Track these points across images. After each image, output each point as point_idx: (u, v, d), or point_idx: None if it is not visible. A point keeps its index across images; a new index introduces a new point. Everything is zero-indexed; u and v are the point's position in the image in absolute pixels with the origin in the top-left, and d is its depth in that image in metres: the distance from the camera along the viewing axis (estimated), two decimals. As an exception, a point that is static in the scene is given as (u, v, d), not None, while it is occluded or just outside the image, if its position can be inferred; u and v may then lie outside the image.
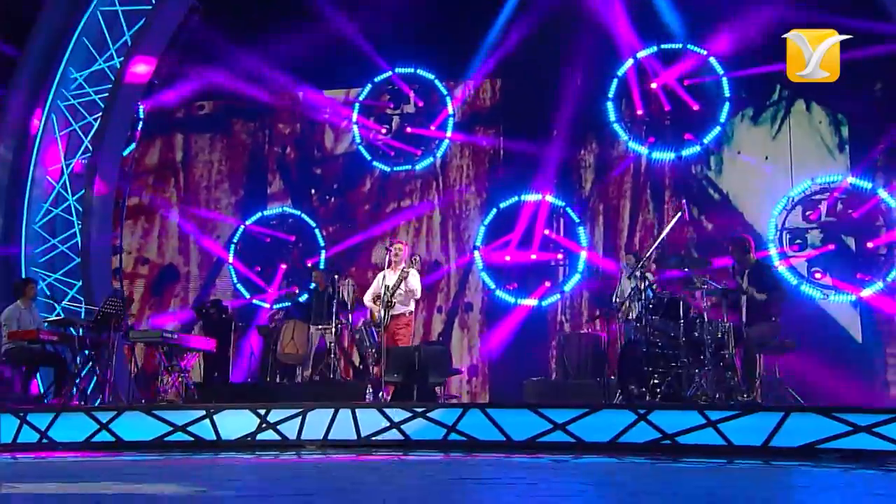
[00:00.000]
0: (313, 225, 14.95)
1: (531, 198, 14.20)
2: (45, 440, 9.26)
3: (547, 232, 14.18)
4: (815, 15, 11.26)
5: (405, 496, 5.19)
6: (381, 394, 9.85)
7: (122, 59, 13.15)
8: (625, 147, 14.19)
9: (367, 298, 10.60)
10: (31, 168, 13.22)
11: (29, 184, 13.18)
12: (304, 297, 14.27)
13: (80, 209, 13.05)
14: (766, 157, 13.66)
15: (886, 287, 12.72)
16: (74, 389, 10.50)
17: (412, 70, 14.86)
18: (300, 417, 8.92)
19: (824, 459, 7.88)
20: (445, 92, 14.74)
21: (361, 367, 12.31)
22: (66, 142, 13.40)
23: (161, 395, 10.79)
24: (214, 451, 8.76)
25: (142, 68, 13.06)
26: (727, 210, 13.72)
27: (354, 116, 15.02)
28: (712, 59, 13.68)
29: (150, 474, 6.81)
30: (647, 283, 11.44)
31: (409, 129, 14.87)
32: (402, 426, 8.83)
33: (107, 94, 13.13)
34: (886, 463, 7.66)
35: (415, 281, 10.52)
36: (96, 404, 10.55)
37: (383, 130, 14.88)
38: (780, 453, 8.11)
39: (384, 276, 10.54)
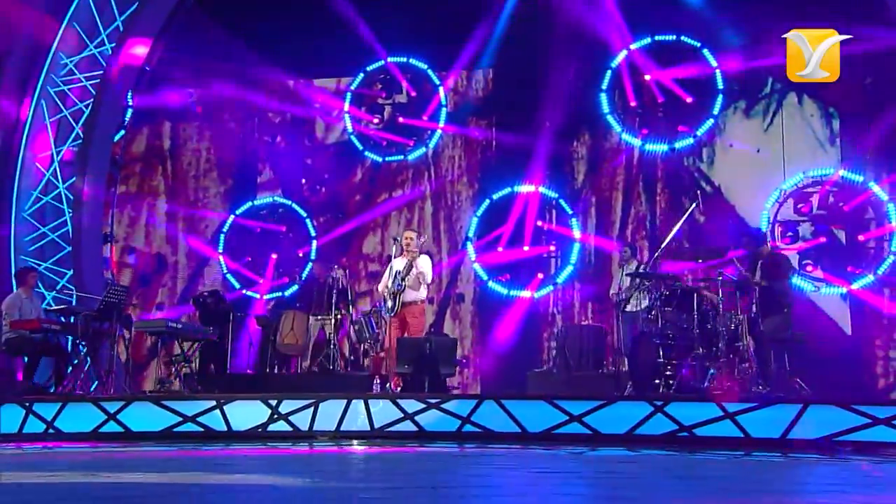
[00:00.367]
0: (304, 215, 15.32)
1: (524, 189, 14.62)
2: (51, 430, 9.37)
3: (540, 223, 14.61)
4: (811, 9, 11.87)
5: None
6: (388, 385, 10.06)
7: (113, 45, 13.39)
8: (618, 139, 14.64)
9: (381, 288, 10.76)
10: (21, 155, 13.44)
11: (18, 171, 13.41)
12: (294, 288, 14.67)
13: (71, 197, 13.26)
14: (759, 150, 14.13)
15: (877, 280, 13.20)
16: (77, 380, 10.73)
17: (405, 59, 15.26)
18: (312, 408, 9.07)
19: (841, 452, 8.07)
20: (438, 82, 15.12)
21: (352, 358, 12.62)
22: (56, 128, 13.65)
23: (166, 385, 10.93)
24: (225, 442, 8.86)
25: (139, 50, 13.28)
26: (719, 202, 14.11)
27: (346, 106, 15.38)
28: (705, 52, 14.13)
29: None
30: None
31: (401, 119, 15.26)
32: (415, 417, 9.01)
33: (98, 81, 13.33)
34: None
35: (425, 265, 10.68)
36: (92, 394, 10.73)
37: (375, 120, 15.26)
38: (798, 445, 8.28)
39: (393, 266, 10.73)
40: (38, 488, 5.10)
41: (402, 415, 9.02)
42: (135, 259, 15.11)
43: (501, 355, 14.12)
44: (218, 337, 11.89)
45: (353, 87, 15.41)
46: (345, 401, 9.08)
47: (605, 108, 14.58)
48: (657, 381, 9.78)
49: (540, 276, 14.50)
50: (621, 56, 14.47)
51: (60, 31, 13.50)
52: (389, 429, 9.01)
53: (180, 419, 9.18)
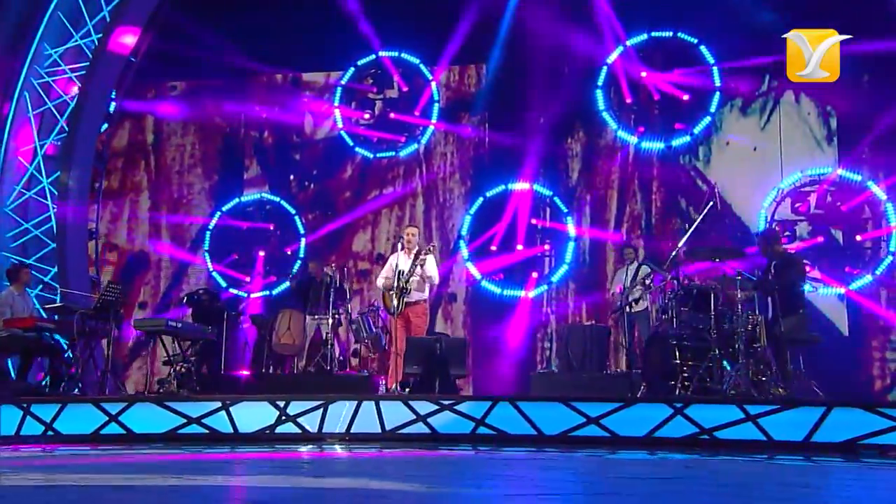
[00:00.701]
0: (293, 212, 15.46)
1: (518, 187, 14.84)
2: (50, 432, 9.34)
3: (534, 221, 14.84)
4: (811, 7, 12.15)
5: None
6: (395, 386, 10.14)
7: (100, 35, 13.45)
8: (613, 136, 14.90)
9: (380, 283, 10.78)
10: (3, 148, 13.49)
11: (0, 165, 13.43)
12: (284, 286, 14.78)
13: (55, 192, 13.32)
14: (755, 148, 14.43)
15: (875, 281, 13.54)
16: (73, 381, 10.74)
17: (396, 54, 15.43)
18: (321, 410, 9.10)
19: (865, 455, 8.09)
20: (430, 77, 15.30)
21: (342, 357, 12.75)
22: (40, 121, 13.70)
23: (165, 386, 10.96)
24: (232, 445, 8.84)
25: (127, 39, 13.38)
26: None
27: (336, 100, 15.53)
28: (703, 48, 14.42)
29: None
30: (648, 276, 12.13)
31: (392, 115, 15.44)
32: (428, 419, 9.03)
33: (84, 73, 13.39)
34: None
35: (431, 266, 10.72)
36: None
37: (366, 116, 15.40)
38: (822, 449, 8.29)
39: (397, 261, 10.73)
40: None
41: (415, 416, 9.06)
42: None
43: (495, 356, 14.29)
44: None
45: (343, 82, 15.56)
46: (355, 402, 9.13)
47: (601, 104, 14.83)
48: (672, 383, 9.85)
49: (534, 275, 14.72)
50: (617, 52, 14.74)
51: (44, 21, 13.48)
52: (401, 431, 9.06)
53: (184, 421, 9.21)
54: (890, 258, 13.53)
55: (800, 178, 14.00)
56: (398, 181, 15.49)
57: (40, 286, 13.31)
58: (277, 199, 15.54)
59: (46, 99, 13.68)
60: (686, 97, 14.42)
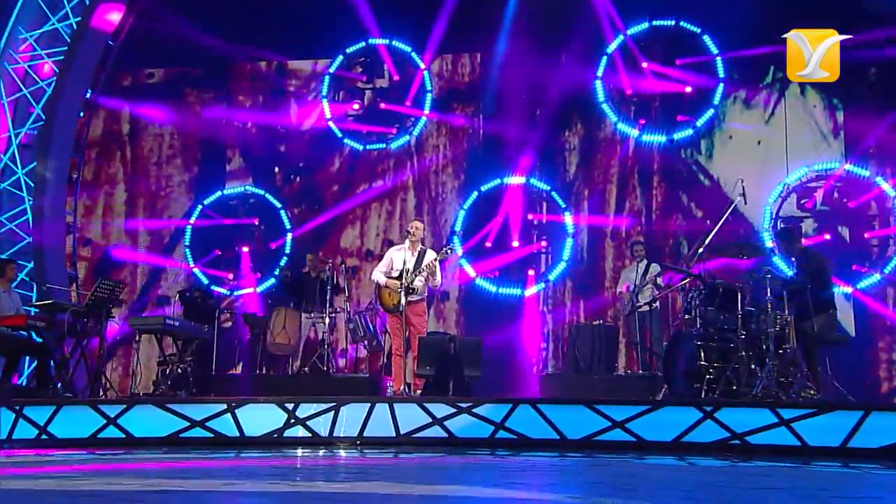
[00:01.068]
0: (278, 206, 15.39)
1: (514, 181, 14.87)
2: (44, 436, 9.28)
3: (530, 217, 14.88)
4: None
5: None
6: (402, 388, 10.08)
7: (78, 18, 13.30)
8: (613, 129, 14.96)
9: (380, 278, 10.63)
10: (-26, 138, 13.35)
11: (-29, 155, 13.30)
12: (269, 283, 14.70)
13: (31, 183, 13.17)
14: (759, 143, 14.56)
15: (883, 280, 13.69)
16: (63, 382, 10.69)
17: (387, 41, 15.38)
18: (332, 413, 9.07)
19: None
20: (423, 66, 15.26)
21: (344, 358, 12.66)
22: (14, 109, 13.55)
23: (161, 388, 10.93)
24: (237, 449, 8.82)
25: (112, 16, 13.26)
26: (717, 197, 14.33)
27: (324, 89, 15.47)
28: (706, 38, 14.52)
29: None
30: (659, 274, 12.32)
31: (382, 105, 15.40)
32: (445, 422, 9.03)
33: (62, 57, 13.25)
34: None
35: (439, 270, 10.74)
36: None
37: (355, 106, 15.36)
38: (860, 454, 8.30)
39: (403, 258, 10.59)
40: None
41: (431, 420, 9.05)
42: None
43: (489, 357, 14.20)
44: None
45: (331, 70, 15.50)
46: (367, 405, 9.12)
47: (600, 96, 14.86)
48: (697, 385, 9.82)
49: (531, 272, 14.74)
50: (617, 42, 14.80)
51: (19, 2, 13.32)
52: (416, 435, 9.05)
53: (187, 424, 9.16)
54: (900, 257, 13.65)
55: (806, 173, 14.11)
56: (388, 174, 15.47)
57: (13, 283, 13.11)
58: (262, 192, 15.45)
59: (22, 85, 13.52)
60: (688, 89, 14.49)
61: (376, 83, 15.61)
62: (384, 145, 15.40)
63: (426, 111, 15.29)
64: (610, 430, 8.89)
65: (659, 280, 12.40)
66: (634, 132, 14.79)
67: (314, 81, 15.76)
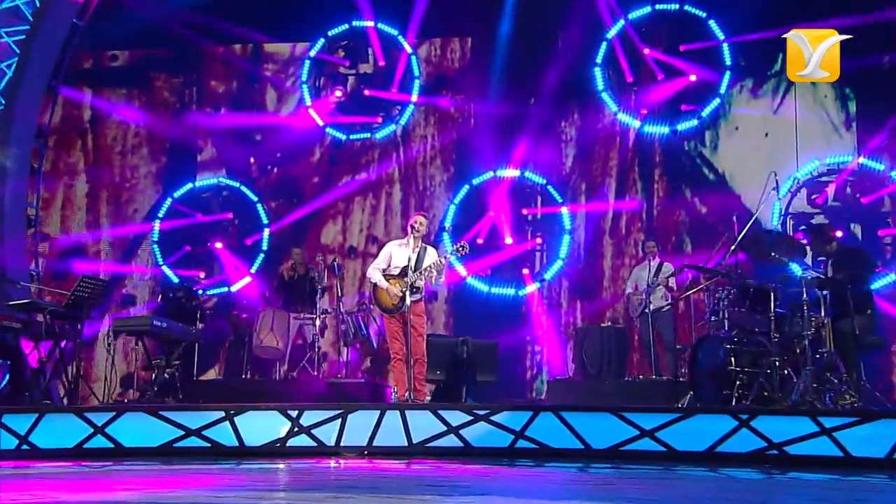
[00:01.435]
0: (254, 199, 15.08)
1: (507, 174, 14.65)
2: (25, 446, 9.05)
3: (525, 212, 14.72)
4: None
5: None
6: (408, 395, 9.83)
7: (40, -7, 12.86)
8: (613, 119, 14.77)
9: (378, 277, 10.23)
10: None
11: (-77, 142, 12.78)
12: (244, 282, 14.38)
13: (-11, 173, 12.73)
14: (767, 134, 14.45)
15: (897, 280, 13.58)
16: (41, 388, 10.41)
17: (372, 24, 15.05)
18: (339, 420, 8.92)
19: None
20: (411, 51, 15.00)
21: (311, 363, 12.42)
22: (-31, 93, 13.07)
23: (148, 394, 10.72)
24: (237, 459, 8.67)
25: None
26: (723, 191, 14.39)
27: (304, 74, 15.14)
28: (712, 23, 14.35)
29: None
30: (672, 274, 12.18)
31: (367, 92, 15.10)
32: (460, 431, 8.87)
33: (24, 36, 12.78)
34: None
35: (444, 273, 10.54)
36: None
37: (337, 92, 15.03)
38: None
39: (407, 255, 10.26)
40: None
41: (446, 428, 8.87)
42: None
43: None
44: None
45: (311, 54, 15.19)
46: (377, 412, 8.95)
47: (600, 84, 14.68)
48: (726, 392, 9.69)
49: (525, 271, 14.55)
50: (618, 27, 14.60)
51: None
52: (430, 444, 8.87)
53: (182, 433, 8.93)
54: (916, 256, 13.57)
55: (817, 166, 13.98)
56: (373, 166, 15.22)
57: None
58: (236, 184, 15.15)
59: (-22, 67, 13.03)
60: (693, 77, 14.31)
61: (360, 68, 15.34)
62: (368, 135, 15.13)
63: (414, 99, 15.00)
64: (638, 440, 8.72)
65: (671, 281, 12.26)
66: (636, 123, 14.60)
67: (293, 66, 15.46)
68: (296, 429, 8.90)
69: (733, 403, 9.55)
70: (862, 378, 9.81)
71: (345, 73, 15.31)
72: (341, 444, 8.87)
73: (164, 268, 14.89)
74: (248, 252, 14.88)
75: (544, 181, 14.68)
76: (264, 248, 14.83)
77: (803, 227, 13.51)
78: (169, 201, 15.14)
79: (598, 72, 14.64)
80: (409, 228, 10.39)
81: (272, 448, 8.93)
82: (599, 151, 14.86)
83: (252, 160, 15.43)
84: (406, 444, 8.87)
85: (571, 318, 14.52)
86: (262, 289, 13.97)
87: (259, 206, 15.02)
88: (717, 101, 14.39)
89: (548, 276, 14.53)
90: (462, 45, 15.40)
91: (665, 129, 14.55)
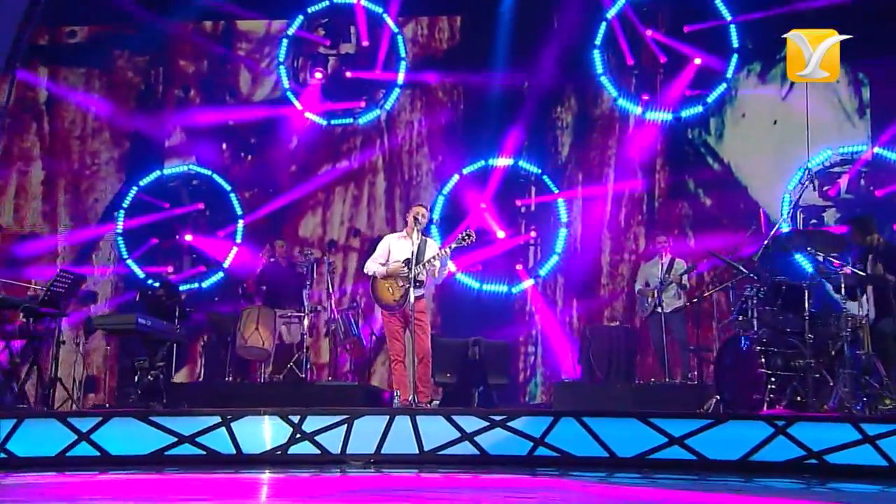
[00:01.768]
0: (227, 188, 14.68)
1: (499, 162, 14.38)
2: (2, 455, 8.78)
3: (518, 203, 14.47)
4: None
5: None
6: (412, 398, 9.53)
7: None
8: (612, 105, 14.52)
9: (375, 271, 9.99)
10: None
11: None
12: (218, 277, 14.20)
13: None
14: (776, 122, 14.26)
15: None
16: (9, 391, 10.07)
17: (355, 0, 14.68)
18: (345, 426, 8.76)
19: None
20: (396, 29, 14.65)
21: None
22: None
23: (131, 398, 10.47)
24: (235, 468, 8.51)
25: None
26: (728, 182, 14.23)
27: (281, 54, 14.76)
28: (718, 2, 14.12)
29: None
30: (685, 272, 11.93)
31: (349, 74, 14.77)
32: (475, 438, 8.75)
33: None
34: None
35: (448, 264, 10.30)
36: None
37: (317, 74, 14.63)
38: None
39: (409, 248, 9.96)
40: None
41: (459, 435, 8.72)
42: None
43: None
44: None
45: (289, 32, 14.78)
46: (385, 417, 8.80)
47: (598, 67, 14.39)
48: (757, 396, 9.55)
49: (518, 266, 14.32)
50: (618, 6, 14.37)
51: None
52: (443, 451, 8.72)
53: (174, 440, 8.71)
54: (933, 253, 13.42)
55: (829, 156, 13.80)
56: (355, 153, 14.91)
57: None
58: (208, 172, 14.71)
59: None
60: (698, 60, 14.06)
61: (342, 48, 14.97)
62: (351, 120, 14.79)
63: (399, 81, 14.66)
64: (667, 448, 8.62)
65: (685, 279, 12.05)
66: (637, 109, 14.34)
67: (268, 45, 15.05)
68: (298, 435, 8.75)
69: (765, 409, 9.41)
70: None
71: (325, 53, 14.90)
72: (346, 451, 8.74)
73: (130, 262, 14.44)
74: (220, 245, 14.50)
75: (539, 171, 14.41)
76: (238, 240, 14.43)
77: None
78: (134, 191, 14.67)
79: (596, 54, 14.34)
80: (411, 220, 10.06)
81: (272, 456, 8.76)
82: (598, 139, 14.63)
83: (224, 146, 15.02)
84: (416, 451, 8.74)
85: (567, 316, 14.27)
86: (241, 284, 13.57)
87: (232, 195, 14.61)
88: (723, 87, 14.15)
89: (543, 271, 14.26)
90: (451, 24, 15.10)
91: (668, 116, 14.26)
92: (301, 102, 14.63)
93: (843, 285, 9.43)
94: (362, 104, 14.73)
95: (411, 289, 9.66)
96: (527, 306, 14.33)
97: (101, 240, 14.72)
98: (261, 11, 14.98)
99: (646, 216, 14.42)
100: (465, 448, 8.73)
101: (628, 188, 14.41)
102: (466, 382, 10.23)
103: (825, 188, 13.89)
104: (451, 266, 13.63)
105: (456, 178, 14.42)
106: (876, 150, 13.70)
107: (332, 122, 14.74)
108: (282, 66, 14.72)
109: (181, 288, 13.86)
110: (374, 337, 12.43)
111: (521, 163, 14.39)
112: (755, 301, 10.02)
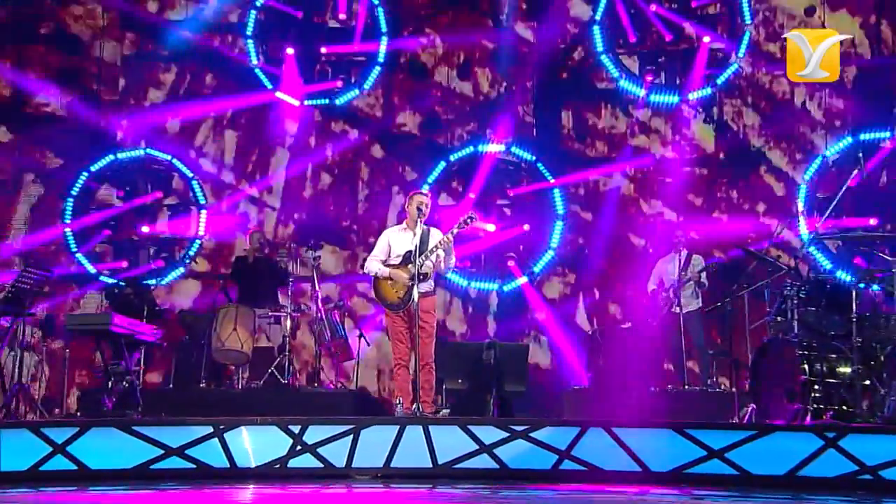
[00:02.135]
0: (189, 175, 14.08)
1: (490, 149, 13.99)
2: None
3: (511, 194, 14.11)
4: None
5: None
6: (415, 407, 9.17)
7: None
8: (614, 85, 14.07)
9: (374, 268, 9.65)
10: None
11: None
12: (177, 273, 13.72)
13: None
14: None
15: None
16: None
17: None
18: (351, 437, 8.54)
19: None
20: (377, 1, 14.12)
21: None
22: None
23: (104, 408, 10.22)
24: (229, 483, 8.28)
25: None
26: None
27: (248, 27, 14.15)
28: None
29: None
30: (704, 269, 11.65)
31: (324, 50, 14.20)
32: (494, 450, 8.55)
33: None
34: None
35: (453, 252, 9.84)
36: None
37: (289, 49, 13.98)
38: None
39: (411, 240, 9.58)
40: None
41: (477, 447, 8.52)
42: None
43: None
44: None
45: (258, 3, 14.17)
46: (395, 427, 8.58)
47: (599, 45, 13.96)
48: (799, 406, 9.28)
49: (511, 262, 13.95)
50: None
51: None
52: (459, 465, 8.54)
53: (161, 452, 8.50)
54: (961, 248, 13.27)
55: (850, 143, 13.40)
56: (331, 137, 14.35)
57: None
58: (168, 157, 14.04)
59: None
60: (707, 38, 13.69)
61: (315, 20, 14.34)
62: (326, 100, 14.21)
63: (380, 58, 14.10)
64: (705, 461, 8.48)
65: (703, 277, 11.70)
66: (640, 91, 13.91)
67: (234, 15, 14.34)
68: (298, 447, 8.57)
69: (808, 419, 9.18)
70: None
71: (298, 26, 14.21)
72: (352, 465, 8.59)
73: (79, 256, 13.75)
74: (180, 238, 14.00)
75: (533, 157, 14.00)
76: (200, 232, 13.88)
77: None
78: (84, 177, 13.91)
79: (596, 30, 13.93)
80: (413, 210, 9.64)
81: (270, 470, 8.57)
82: (599, 123, 14.21)
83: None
84: (430, 465, 8.58)
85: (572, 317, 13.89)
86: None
87: (194, 182, 14.00)
88: (734, 67, 13.75)
89: (537, 268, 13.88)
90: (438, -3, 14.68)
91: (674, 99, 13.86)
92: (283, 85, 13.97)
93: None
94: (339, 84, 14.13)
95: (415, 286, 9.25)
96: (523, 306, 13.90)
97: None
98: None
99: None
100: (483, 461, 8.58)
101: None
102: (479, 389, 10.05)
103: (845, 177, 13.30)
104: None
105: (442, 165, 14.00)
106: (901, 137, 13.44)
107: (307, 102, 14.12)
108: (249, 41, 14.10)
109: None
110: (361, 339, 11.94)
111: (513, 149, 13.97)
112: (796, 301, 9.68)
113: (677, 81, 13.86)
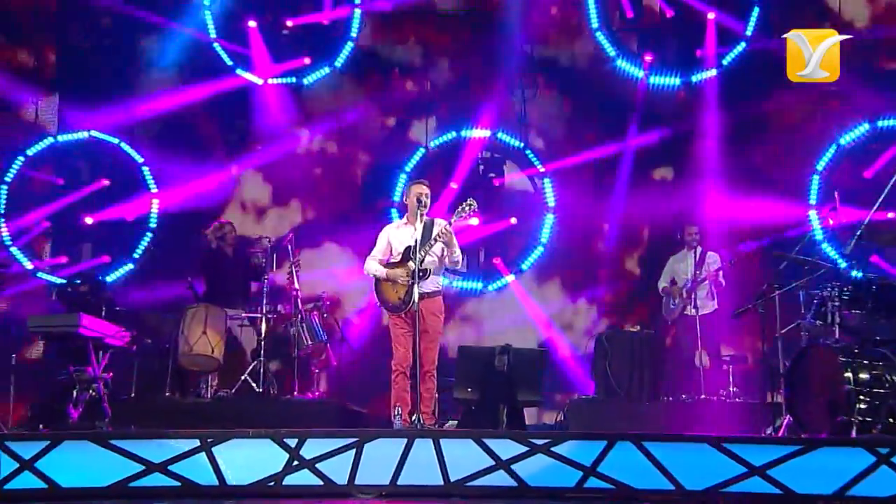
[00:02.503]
0: (138, 160, 13.58)
1: (474, 134, 13.79)
2: None
3: (497, 184, 13.92)
4: None
5: None
6: (416, 418, 9.01)
7: None
8: (610, 66, 13.76)
9: (373, 268, 9.45)
10: None
11: None
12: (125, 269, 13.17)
13: None
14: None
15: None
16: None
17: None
18: (354, 451, 8.29)
19: None
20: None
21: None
22: None
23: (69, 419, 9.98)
24: (218, 501, 8.14)
25: None
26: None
27: (206, -2, 13.74)
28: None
29: None
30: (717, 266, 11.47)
31: (289, 23, 13.69)
32: (512, 466, 8.31)
33: None
34: None
35: (455, 243, 9.54)
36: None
37: (251, 23, 13.50)
38: None
39: (412, 236, 9.31)
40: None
41: (493, 462, 8.30)
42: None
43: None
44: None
45: (213, -31, 13.75)
46: (402, 440, 8.36)
47: (593, 21, 13.66)
48: (843, 419, 9.14)
49: (496, 260, 13.77)
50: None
51: None
52: (473, 482, 8.31)
53: (142, 468, 8.24)
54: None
55: (867, 131, 13.25)
56: (299, 120, 14.03)
57: None
58: (116, 140, 13.46)
59: None
60: (712, 14, 13.36)
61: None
62: (293, 79, 13.74)
63: (354, 33, 13.66)
64: (745, 479, 8.23)
65: (721, 275, 11.50)
66: (639, 72, 13.61)
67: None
68: (295, 462, 8.35)
69: (854, 433, 9.06)
70: None
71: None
72: (355, 482, 8.33)
73: (14, 251, 13.11)
74: (129, 230, 13.33)
75: (521, 144, 13.76)
76: (152, 224, 13.34)
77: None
78: (19, 161, 13.30)
79: (591, 6, 13.56)
80: (412, 202, 9.42)
81: (264, 488, 8.32)
82: (594, 107, 13.91)
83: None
84: (441, 482, 8.36)
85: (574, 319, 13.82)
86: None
87: (144, 169, 13.46)
88: (741, 46, 13.43)
89: (526, 265, 13.64)
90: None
91: (676, 81, 13.61)
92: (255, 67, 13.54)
93: None
94: (307, 61, 13.63)
95: (415, 285, 9.03)
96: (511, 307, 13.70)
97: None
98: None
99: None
100: (500, 478, 8.36)
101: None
102: (491, 399, 9.78)
103: (860, 168, 13.14)
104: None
105: (421, 151, 13.82)
106: (920, 124, 13.39)
107: (270, 81, 13.61)
108: (207, 12, 13.50)
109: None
110: (346, 344, 11.66)
111: (500, 135, 13.72)
112: (837, 303, 9.51)
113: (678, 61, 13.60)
